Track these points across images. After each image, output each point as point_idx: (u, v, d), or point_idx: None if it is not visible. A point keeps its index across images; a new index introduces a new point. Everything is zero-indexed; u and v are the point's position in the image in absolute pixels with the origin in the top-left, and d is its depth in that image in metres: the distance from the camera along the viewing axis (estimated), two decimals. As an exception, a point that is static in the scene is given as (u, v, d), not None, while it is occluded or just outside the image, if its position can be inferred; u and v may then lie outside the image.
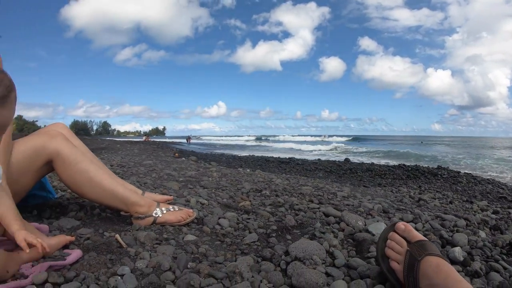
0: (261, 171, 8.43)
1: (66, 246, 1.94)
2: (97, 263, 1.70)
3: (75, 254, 1.80)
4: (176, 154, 16.49)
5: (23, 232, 1.60)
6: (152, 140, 52.18)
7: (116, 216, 2.71)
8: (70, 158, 2.36)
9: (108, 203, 2.51)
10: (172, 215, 2.51)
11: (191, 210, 2.62)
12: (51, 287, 1.49)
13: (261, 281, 1.66)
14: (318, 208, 3.23)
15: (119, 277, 1.60)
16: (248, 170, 8.24)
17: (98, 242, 2.04)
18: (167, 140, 73.85)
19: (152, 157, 11.65)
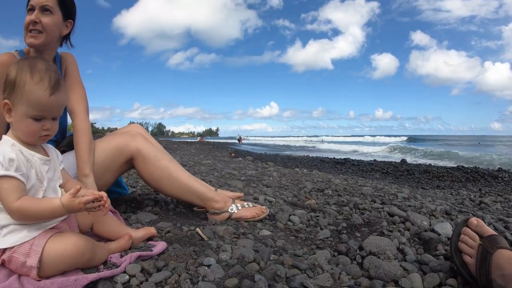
0: (318, 171, 8.45)
1: (149, 239, 2.08)
2: (183, 254, 1.80)
3: (160, 245, 1.92)
4: (232, 154, 16.66)
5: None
6: (206, 140, 52.81)
7: (190, 211, 2.85)
8: (151, 155, 2.52)
9: (185, 198, 2.65)
10: (247, 211, 2.62)
11: (264, 207, 2.72)
12: (142, 276, 1.60)
13: (340, 273, 1.74)
14: (382, 208, 3.26)
15: (206, 267, 1.69)
16: (305, 170, 8.27)
17: (180, 235, 2.16)
18: (220, 140, 74.71)
19: (210, 157, 11.84)
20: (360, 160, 15.62)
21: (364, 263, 1.86)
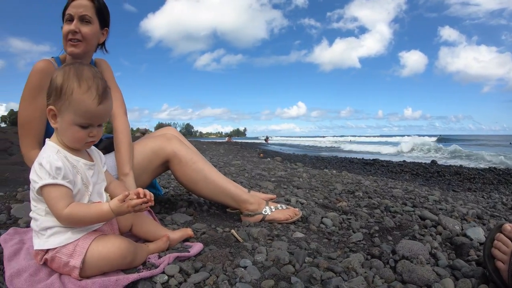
0: (347, 172, 8.44)
1: (186, 240, 2.14)
2: (220, 256, 1.85)
3: (197, 246, 1.98)
4: (261, 154, 16.69)
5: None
6: (234, 140, 53.04)
7: (223, 212, 2.91)
8: (187, 158, 2.59)
9: (220, 200, 2.71)
10: (280, 213, 2.66)
11: (297, 209, 2.75)
12: (181, 276, 1.65)
13: (373, 277, 1.77)
14: (413, 211, 3.26)
15: (242, 269, 1.74)
16: (334, 171, 8.27)
17: (215, 237, 2.22)
18: (248, 141, 75.05)
19: (239, 157, 11.90)
20: (389, 160, 15.44)
21: (397, 267, 1.88)
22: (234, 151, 17.84)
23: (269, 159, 12.90)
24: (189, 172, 2.61)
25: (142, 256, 1.76)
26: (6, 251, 1.82)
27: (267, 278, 1.70)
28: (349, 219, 2.86)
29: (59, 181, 1.53)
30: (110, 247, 1.60)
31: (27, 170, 4.45)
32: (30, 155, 2.31)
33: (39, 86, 2.29)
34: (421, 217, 3.06)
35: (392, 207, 3.35)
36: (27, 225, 2.37)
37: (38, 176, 1.55)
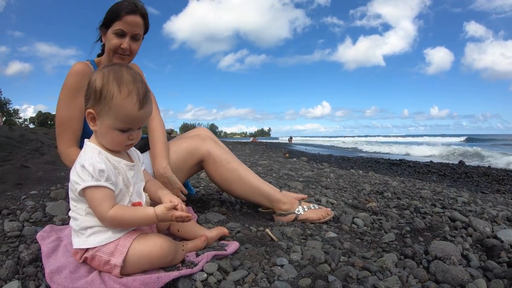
0: (374, 173, 8.40)
1: (221, 238, 2.19)
2: (257, 254, 1.90)
3: (234, 245, 2.03)
4: (287, 154, 16.69)
5: (170, 196, 1.82)
6: (259, 141, 53.13)
7: (255, 211, 2.97)
8: (221, 158, 2.65)
9: (254, 199, 2.76)
10: (313, 213, 2.69)
11: (329, 209, 2.79)
12: (219, 274, 1.70)
13: (407, 276, 1.80)
14: (443, 212, 3.26)
15: (279, 267, 1.79)
16: (360, 172, 8.25)
17: (250, 235, 2.27)
18: (273, 141, 75.29)
19: (265, 157, 11.92)
20: (416, 161, 15.26)
21: (430, 267, 1.91)
22: (259, 151, 17.85)
23: (295, 159, 12.89)
24: (223, 172, 2.66)
25: (181, 255, 1.80)
26: (44, 248, 1.85)
27: (304, 276, 1.73)
28: (380, 219, 2.88)
29: (102, 183, 1.55)
30: (152, 246, 1.64)
31: (59, 169, 4.53)
32: (67, 153, 2.39)
33: (76, 88, 2.39)
34: (451, 218, 3.05)
35: (422, 208, 3.35)
36: (63, 222, 2.44)
37: (80, 178, 1.56)
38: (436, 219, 2.96)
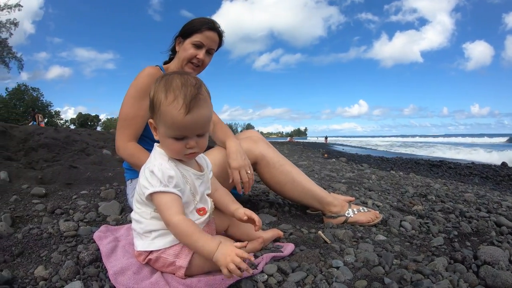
0: (415, 174, 8.35)
1: (276, 240, 2.27)
2: (312, 256, 1.97)
3: (289, 247, 2.10)
4: (325, 155, 16.69)
5: (242, 209, 1.87)
6: (295, 140, 53.03)
7: (303, 213, 3.05)
8: (274, 160, 2.73)
9: (305, 201, 2.83)
10: (363, 215, 2.75)
11: (377, 212, 2.85)
12: (279, 275, 1.77)
13: (458, 280, 1.84)
14: (488, 217, 3.26)
15: (335, 269, 1.86)
16: (401, 173, 8.21)
17: (303, 237, 2.35)
18: (309, 140, 75.10)
19: (304, 158, 11.96)
20: (457, 162, 15.03)
21: (480, 272, 1.95)
22: (298, 151, 17.87)
23: (334, 159, 12.87)
24: (276, 174, 2.73)
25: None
26: (103, 248, 1.91)
27: (359, 278, 1.80)
28: (427, 223, 2.91)
29: (171, 189, 1.57)
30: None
31: (106, 169, 4.72)
32: (124, 147, 2.52)
33: (145, 89, 2.52)
34: (497, 223, 3.04)
35: (467, 212, 3.36)
36: (117, 222, 2.57)
37: (149, 183, 1.59)
38: (482, 224, 2.96)
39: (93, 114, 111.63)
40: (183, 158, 1.70)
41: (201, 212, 1.77)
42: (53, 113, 59.95)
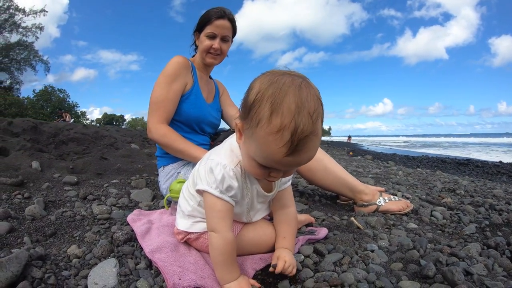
0: (441, 172, 8.30)
1: (308, 225, 2.32)
2: (347, 240, 2.01)
3: (323, 231, 2.14)
4: (350, 152, 16.71)
5: (281, 255, 1.75)
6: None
7: (333, 203, 3.10)
8: None
9: (337, 189, 2.87)
10: (394, 204, 2.80)
11: (408, 201, 2.88)
12: (316, 256, 1.82)
13: (493, 264, 1.88)
14: (519, 210, 3.24)
15: (370, 252, 1.90)
16: (427, 171, 8.18)
17: (336, 223, 2.40)
18: (333, 139, 75.35)
19: (329, 155, 11.98)
20: (484, 161, 14.87)
21: (513, 257, 1.98)
22: (323, 149, 17.88)
23: (359, 157, 12.87)
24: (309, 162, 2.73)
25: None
26: (137, 229, 1.99)
27: (395, 261, 1.84)
28: (458, 213, 2.92)
29: (225, 197, 1.46)
30: (262, 235, 1.74)
31: (135, 161, 4.81)
32: (156, 127, 2.65)
33: (174, 75, 2.71)
34: (527, 216, 3.02)
35: (497, 205, 3.36)
36: (149, 208, 2.65)
37: (205, 180, 1.49)
38: (513, 216, 2.96)
39: (118, 114, 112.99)
40: (261, 181, 1.59)
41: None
42: (79, 113, 60.99)
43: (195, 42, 3.03)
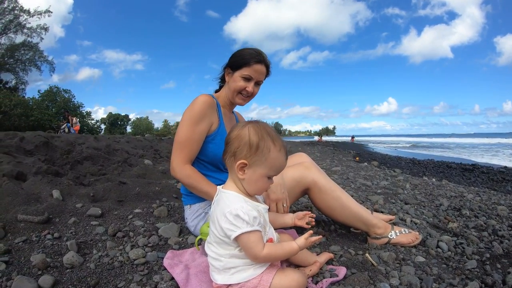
0: (448, 181, 8.38)
1: (328, 262, 2.54)
2: (363, 279, 2.24)
3: (342, 271, 2.36)
4: (357, 158, 16.80)
5: (289, 217, 2.40)
6: (324, 140, 52.97)
7: (347, 232, 3.31)
8: (326, 187, 2.94)
9: (352, 224, 3.06)
10: (404, 237, 3.00)
11: (417, 233, 3.07)
12: None
13: None
14: (519, 236, 3.42)
15: None
16: (433, 180, 8.28)
17: (353, 260, 2.61)
18: (338, 139, 75.13)
19: (336, 162, 12.08)
20: (490, 167, 14.90)
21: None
22: (329, 154, 17.95)
23: (366, 163, 12.99)
24: (328, 199, 2.93)
25: (306, 283, 2.05)
26: (178, 277, 2.13)
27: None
28: (462, 243, 3.11)
29: (256, 227, 1.77)
30: (291, 280, 1.88)
31: (152, 183, 5.00)
32: (180, 168, 2.70)
33: (201, 115, 2.75)
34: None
35: (500, 230, 3.51)
36: (179, 246, 2.77)
37: (235, 226, 1.76)
38: (512, 245, 3.14)
39: (123, 114, 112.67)
40: (262, 194, 2.05)
41: (269, 242, 1.94)
42: (85, 113, 60.88)
43: (223, 76, 3.07)
